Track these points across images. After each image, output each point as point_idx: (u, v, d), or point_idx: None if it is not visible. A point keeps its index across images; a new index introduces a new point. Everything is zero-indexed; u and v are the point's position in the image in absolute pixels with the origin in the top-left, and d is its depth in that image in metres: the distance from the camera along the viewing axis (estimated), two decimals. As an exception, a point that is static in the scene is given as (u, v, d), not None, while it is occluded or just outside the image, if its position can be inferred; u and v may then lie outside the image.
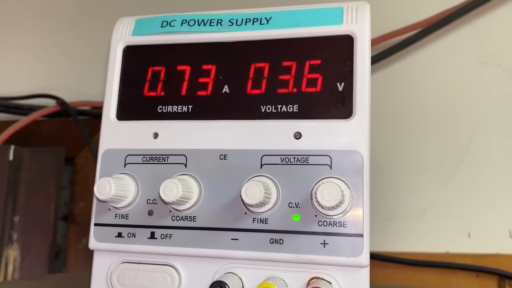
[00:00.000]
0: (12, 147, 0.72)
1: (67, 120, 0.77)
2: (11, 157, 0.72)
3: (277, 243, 0.29)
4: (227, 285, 0.27)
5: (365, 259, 0.27)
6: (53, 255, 0.71)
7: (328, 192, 0.26)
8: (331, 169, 0.29)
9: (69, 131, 0.76)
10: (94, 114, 0.76)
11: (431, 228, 0.63)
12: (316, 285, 0.26)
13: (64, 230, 0.75)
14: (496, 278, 0.60)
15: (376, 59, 0.62)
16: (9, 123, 0.75)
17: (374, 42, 0.61)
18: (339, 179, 0.28)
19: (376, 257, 0.62)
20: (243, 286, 0.29)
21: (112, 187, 0.29)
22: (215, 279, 0.28)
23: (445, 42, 0.66)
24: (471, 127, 0.64)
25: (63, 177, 0.75)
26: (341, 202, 0.27)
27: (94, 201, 0.31)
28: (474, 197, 0.63)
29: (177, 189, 0.28)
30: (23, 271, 0.69)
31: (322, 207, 0.27)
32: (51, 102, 0.78)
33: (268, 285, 0.26)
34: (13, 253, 0.70)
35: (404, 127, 0.66)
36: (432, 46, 0.67)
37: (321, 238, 0.28)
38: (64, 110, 0.76)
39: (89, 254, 0.32)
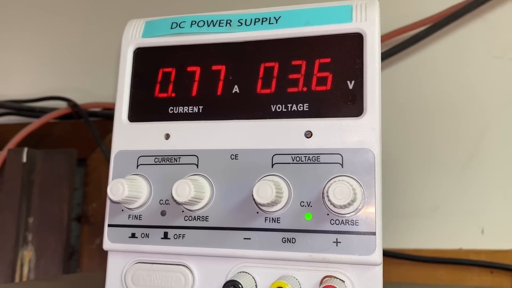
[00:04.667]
0: (25, 150, 0.73)
1: (78, 122, 0.77)
2: (24, 159, 0.73)
3: (290, 242, 0.29)
4: (240, 284, 0.27)
5: (378, 257, 0.27)
6: (67, 256, 0.72)
7: (340, 191, 0.26)
8: (342, 167, 0.29)
9: (81, 133, 0.77)
10: (105, 115, 0.77)
11: (444, 224, 0.63)
12: (329, 284, 0.26)
13: (77, 231, 0.76)
14: (510, 274, 0.60)
15: (386, 56, 0.62)
16: (21, 125, 0.76)
17: (383, 38, 0.60)
18: (351, 177, 0.28)
19: (388, 254, 0.61)
20: (256, 285, 0.29)
21: (125, 188, 0.29)
22: (228, 279, 0.28)
23: (456, 37, 0.66)
24: (483, 122, 0.63)
25: (75, 179, 0.76)
26: (353, 201, 0.27)
27: (108, 203, 0.32)
28: (487, 192, 0.62)
29: (190, 189, 0.28)
30: (38, 272, 0.70)
31: (334, 206, 0.27)
32: (62, 104, 0.78)
33: (281, 284, 0.26)
34: (28, 254, 0.71)
35: (416, 123, 0.66)
36: (442, 41, 0.66)
37: (334, 237, 0.28)
38: (75, 112, 0.77)
39: (103, 254, 0.33)
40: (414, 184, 0.65)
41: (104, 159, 0.73)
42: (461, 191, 0.63)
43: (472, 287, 0.57)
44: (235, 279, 0.27)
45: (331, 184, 0.27)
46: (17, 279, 0.68)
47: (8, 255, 0.70)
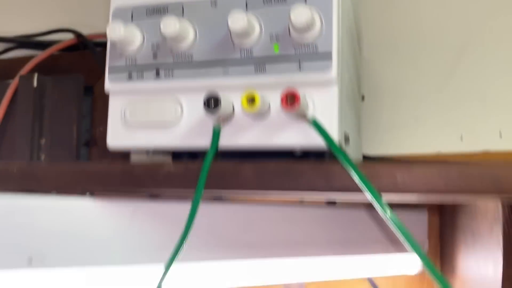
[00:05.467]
0: (36, 75, 0.78)
1: (84, 52, 0.82)
2: (35, 84, 0.79)
3: (261, 71, 0.34)
4: (218, 95, 0.32)
5: (334, 73, 0.32)
6: (78, 174, 0.77)
7: (299, 12, 0.31)
8: (306, 3, 0.33)
9: (87, 63, 0.82)
10: (109, 44, 0.82)
11: (424, 133, 0.67)
12: (289, 89, 0.31)
13: (86, 155, 0.82)
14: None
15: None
16: (30, 58, 0.81)
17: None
18: (312, 7, 0.33)
19: (370, 158, 0.66)
20: (233, 107, 0.34)
21: (121, 29, 0.34)
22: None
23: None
24: (463, 36, 0.67)
25: (83, 105, 0.81)
26: (312, 24, 0.32)
27: (108, 48, 0.37)
28: (466, 102, 0.66)
29: (175, 24, 0.33)
30: (52, 186, 0.76)
31: (296, 30, 0.32)
32: (70, 37, 0.83)
33: (251, 92, 0.32)
34: (41, 171, 0.77)
35: (398, 39, 0.70)
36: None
37: (297, 61, 0.33)
38: (81, 43, 0.82)
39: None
40: (396, 96, 0.69)
41: (109, 85, 0.78)
42: (441, 101, 0.67)
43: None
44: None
45: (293, 9, 0.32)
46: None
47: (23, 172, 0.76)
